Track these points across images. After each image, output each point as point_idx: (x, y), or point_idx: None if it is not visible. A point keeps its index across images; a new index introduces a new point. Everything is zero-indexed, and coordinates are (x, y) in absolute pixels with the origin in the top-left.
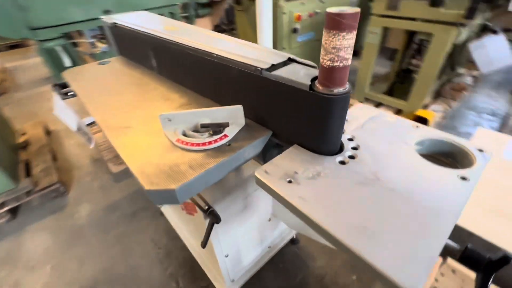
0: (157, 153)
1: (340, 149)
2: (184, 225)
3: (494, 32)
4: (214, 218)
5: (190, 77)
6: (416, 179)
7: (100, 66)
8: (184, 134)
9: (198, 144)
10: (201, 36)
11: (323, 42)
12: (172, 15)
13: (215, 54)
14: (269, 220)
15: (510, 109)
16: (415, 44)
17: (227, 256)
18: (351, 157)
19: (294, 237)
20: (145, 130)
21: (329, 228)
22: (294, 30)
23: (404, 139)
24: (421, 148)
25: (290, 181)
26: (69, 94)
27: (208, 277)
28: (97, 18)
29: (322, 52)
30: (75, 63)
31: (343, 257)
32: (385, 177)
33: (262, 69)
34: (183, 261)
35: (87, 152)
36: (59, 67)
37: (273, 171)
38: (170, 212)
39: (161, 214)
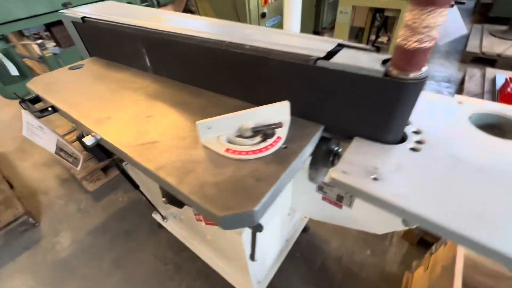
0: (207, 169)
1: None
2: (197, 235)
3: (451, 5)
4: (257, 226)
5: (205, 75)
6: (495, 156)
7: (73, 72)
8: (229, 142)
9: (254, 152)
10: (208, 25)
11: (409, 22)
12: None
13: (247, 45)
14: (288, 214)
15: (461, 75)
16: (378, 21)
17: (256, 260)
18: (419, 142)
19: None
20: (175, 143)
21: (448, 224)
22: (263, 15)
23: (455, 116)
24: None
25: (375, 178)
26: (47, 110)
27: (229, 283)
28: (44, 14)
29: (405, 32)
30: (21, 72)
31: (353, 235)
32: (465, 159)
33: (317, 58)
34: (196, 272)
35: (50, 172)
36: (2, 78)
37: (351, 170)
38: (172, 224)
39: (160, 226)
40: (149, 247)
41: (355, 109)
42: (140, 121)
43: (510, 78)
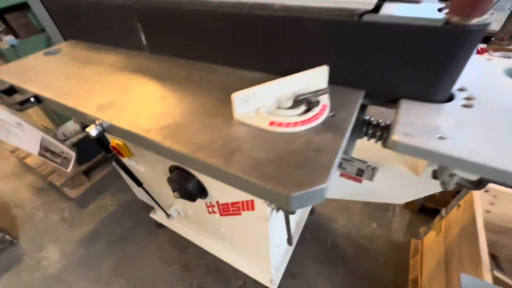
0: (253, 146)
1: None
2: (206, 229)
3: None
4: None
5: (218, 49)
6: None
7: (50, 58)
8: (270, 114)
9: (303, 122)
10: None
11: None
12: None
13: (277, 4)
14: None
15: None
16: None
17: (278, 246)
18: (467, 99)
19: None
20: (204, 122)
21: None
22: None
23: (491, 72)
24: None
25: (441, 137)
26: (29, 101)
27: (244, 274)
28: None
29: None
30: None
31: (358, 211)
32: None
33: (364, 12)
34: (207, 268)
35: (21, 183)
36: None
37: (413, 132)
38: (175, 222)
39: (159, 226)
40: (151, 249)
41: (404, 68)
42: (154, 103)
43: None
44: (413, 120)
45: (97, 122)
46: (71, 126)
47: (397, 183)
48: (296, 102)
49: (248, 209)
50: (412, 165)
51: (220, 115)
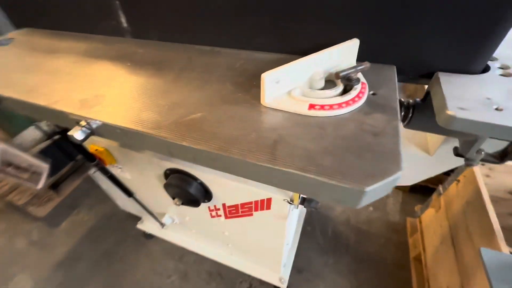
0: (297, 135)
1: None
2: (203, 234)
3: None
4: (311, 203)
5: (220, 28)
6: None
7: (1, 50)
8: (305, 96)
9: (347, 103)
10: None
11: None
12: None
13: None
14: None
15: None
16: None
17: (288, 243)
18: (502, 68)
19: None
20: (226, 112)
21: None
22: None
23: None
24: None
25: (498, 109)
26: None
27: (249, 275)
28: None
29: None
30: None
31: None
32: None
33: None
34: (207, 275)
35: None
36: None
37: (467, 105)
38: (166, 230)
39: (149, 236)
40: (143, 263)
41: (445, 35)
42: (155, 94)
43: None
44: (461, 93)
45: (82, 122)
46: (29, 134)
47: (408, 163)
48: (328, 82)
49: (262, 209)
50: (422, 145)
51: (243, 102)
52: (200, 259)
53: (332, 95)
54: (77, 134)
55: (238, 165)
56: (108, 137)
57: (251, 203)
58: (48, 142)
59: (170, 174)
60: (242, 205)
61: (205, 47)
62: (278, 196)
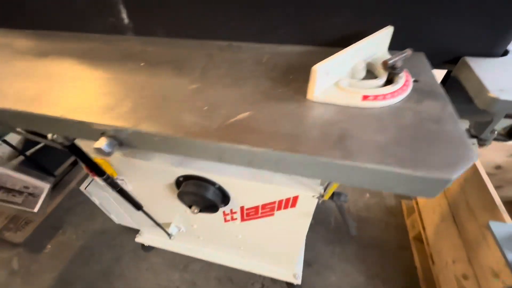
0: (360, 128)
1: None
2: (217, 240)
3: None
4: (341, 196)
5: (238, 20)
6: None
7: None
8: (352, 87)
9: (398, 92)
10: None
11: None
12: None
13: None
14: None
15: None
16: None
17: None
18: None
19: None
20: (273, 109)
21: None
22: None
23: None
24: None
25: None
26: None
27: (260, 276)
28: None
29: None
30: None
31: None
32: None
33: None
34: (217, 282)
35: None
36: None
37: (505, 87)
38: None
39: (148, 249)
40: (145, 278)
41: (475, 17)
42: (187, 95)
43: None
44: (493, 76)
45: (108, 132)
46: None
47: None
48: (369, 72)
49: (286, 207)
50: None
51: (288, 98)
52: (207, 266)
53: (380, 85)
54: (104, 145)
55: (307, 165)
56: (141, 146)
57: (274, 202)
58: (20, 158)
59: (183, 181)
60: (264, 205)
61: (221, 42)
62: (306, 193)
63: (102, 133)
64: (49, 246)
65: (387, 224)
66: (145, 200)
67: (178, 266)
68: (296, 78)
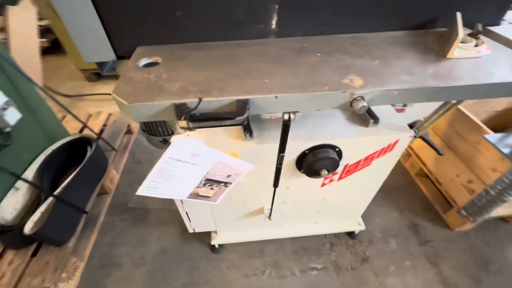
0: (497, 64)
1: None
2: (298, 213)
3: None
4: (426, 132)
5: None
6: None
7: (179, 64)
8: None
9: (488, 48)
10: None
11: None
12: None
13: None
14: None
15: None
16: None
17: None
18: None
19: None
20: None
21: None
22: None
23: None
24: None
25: None
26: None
27: (326, 236)
28: None
29: None
30: None
31: None
32: None
33: None
34: (294, 255)
35: None
36: None
37: None
38: (237, 232)
39: (217, 250)
40: (231, 275)
41: None
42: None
43: None
44: None
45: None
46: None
47: None
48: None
49: (384, 153)
50: None
51: (436, 59)
52: (280, 244)
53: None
54: (360, 107)
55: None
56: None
57: (375, 152)
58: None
59: (309, 152)
60: (366, 158)
61: (345, 35)
62: (406, 134)
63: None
64: (110, 284)
65: (392, 172)
66: (250, 186)
67: (255, 254)
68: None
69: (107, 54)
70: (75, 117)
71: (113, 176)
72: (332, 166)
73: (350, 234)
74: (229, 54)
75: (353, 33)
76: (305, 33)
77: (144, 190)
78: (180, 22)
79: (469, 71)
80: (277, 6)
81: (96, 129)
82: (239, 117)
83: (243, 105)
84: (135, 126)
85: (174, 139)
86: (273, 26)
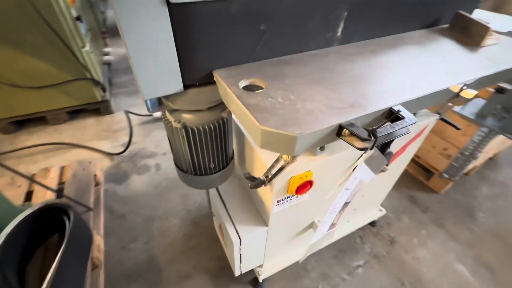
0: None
1: None
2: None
3: None
4: (443, 114)
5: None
6: None
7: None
8: None
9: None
10: None
11: None
12: None
13: None
14: None
15: None
16: None
17: None
18: None
19: None
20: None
21: None
22: (78, 18)
23: None
24: None
25: None
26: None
27: (353, 233)
28: None
29: None
30: None
31: None
32: None
33: None
34: (335, 259)
35: None
36: None
37: None
38: (285, 257)
39: (261, 285)
40: None
41: None
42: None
43: None
44: None
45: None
46: None
47: None
48: None
49: (415, 139)
50: None
51: (468, 48)
52: (318, 255)
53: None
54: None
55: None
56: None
57: (413, 139)
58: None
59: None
60: (405, 146)
61: (389, 36)
62: (433, 118)
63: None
64: None
65: None
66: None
67: (300, 273)
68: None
69: (174, 85)
70: (23, 176)
71: (99, 242)
72: (390, 157)
73: (372, 223)
74: (322, 65)
75: (393, 34)
76: (359, 39)
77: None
78: (262, 37)
79: (504, 54)
80: (346, 13)
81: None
82: (410, 120)
83: (397, 111)
84: (101, 176)
85: (360, 165)
86: (339, 33)
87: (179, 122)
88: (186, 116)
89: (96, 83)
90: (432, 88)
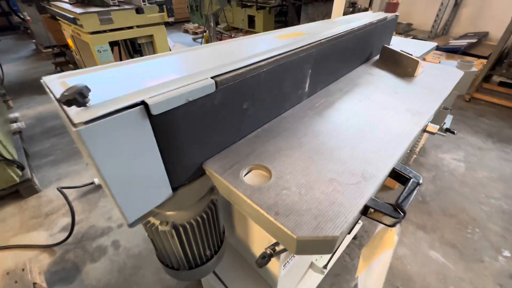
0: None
1: None
2: None
3: None
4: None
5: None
6: None
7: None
8: None
9: (424, 66)
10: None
11: None
12: None
13: None
14: None
15: None
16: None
17: None
18: None
19: None
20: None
21: None
22: None
23: None
24: None
25: None
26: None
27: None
28: None
29: None
30: None
31: None
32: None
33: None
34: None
35: None
36: None
37: None
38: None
39: None
40: None
41: None
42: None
43: None
44: None
45: None
46: None
47: None
48: None
49: None
50: None
51: (405, 79)
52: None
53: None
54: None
55: None
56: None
57: None
58: None
59: None
60: None
61: (340, 80)
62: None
63: None
64: None
65: None
66: None
67: None
68: (398, 73)
69: (163, 193)
70: None
71: None
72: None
73: (354, 237)
74: (308, 129)
75: (344, 75)
76: (321, 87)
77: None
78: (246, 114)
79: (436, 80)
80: (310, 71)
81: None
82: (416, 179)
83: (401, 172)
84: (43, 281)
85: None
86: (306, 89)
87: (167, 224)
88: (175, 215)
89: (9, 162)
90: (412, 134)
